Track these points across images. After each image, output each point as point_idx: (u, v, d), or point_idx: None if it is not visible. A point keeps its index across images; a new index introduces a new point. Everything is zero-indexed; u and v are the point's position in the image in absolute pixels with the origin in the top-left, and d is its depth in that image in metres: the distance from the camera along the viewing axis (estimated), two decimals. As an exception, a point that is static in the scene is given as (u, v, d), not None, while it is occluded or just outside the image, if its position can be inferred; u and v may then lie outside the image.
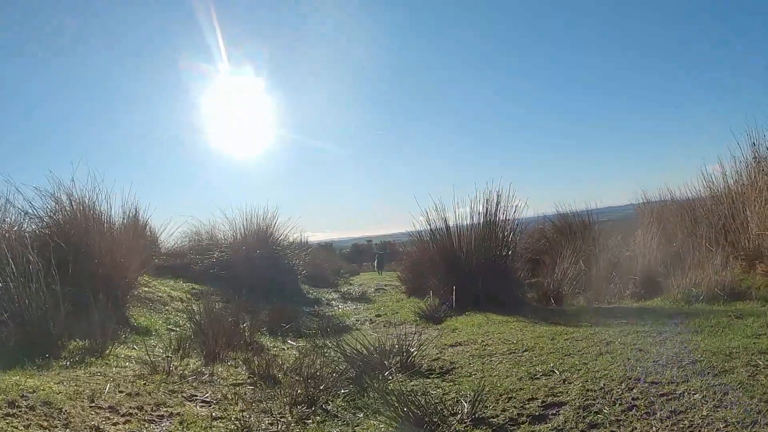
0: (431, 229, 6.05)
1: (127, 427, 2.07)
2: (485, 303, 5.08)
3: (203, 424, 2.22)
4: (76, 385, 2.39)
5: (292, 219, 8.71)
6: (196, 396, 2.62)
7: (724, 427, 1.77)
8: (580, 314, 4.48)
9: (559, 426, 1.99)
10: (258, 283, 6.61)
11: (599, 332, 3.35)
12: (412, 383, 2.80)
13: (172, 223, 7.93)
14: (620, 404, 2.07)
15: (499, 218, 5.69)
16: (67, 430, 1.92)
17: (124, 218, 5.15)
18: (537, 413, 2.14)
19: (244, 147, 23.37)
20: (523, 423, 2.08)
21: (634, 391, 2.18)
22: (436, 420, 2.16)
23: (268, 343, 4.22)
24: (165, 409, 2.34)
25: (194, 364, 3.20)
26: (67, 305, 3.18)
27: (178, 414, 2.30)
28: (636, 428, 1.88)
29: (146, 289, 5.24)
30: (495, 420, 2.14)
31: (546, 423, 2.05)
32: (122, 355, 3.17)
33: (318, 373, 2.87)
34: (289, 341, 4.46)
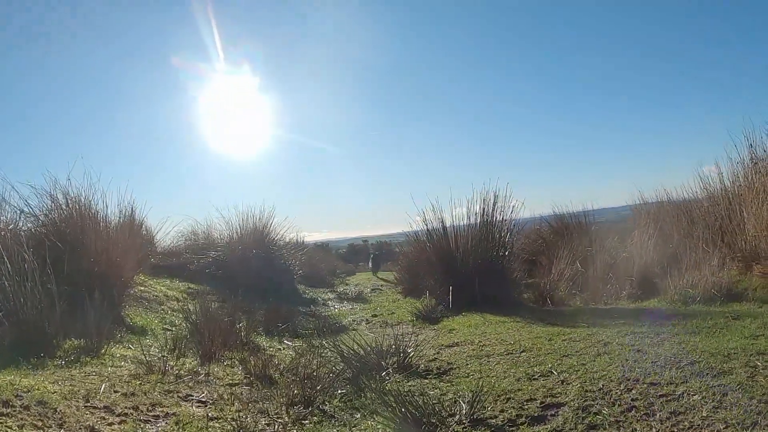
0: (428, 230, 6.07)
1: (122, 427, 2.05)
2: (482, 303, 5.08)
3: (199, 425, 2.20)
4: (71, 385, 2.36)
5: (289, 219, 8.74)
6: (192, 396, 2.59)
7: (724, 428, 1.77)
8: (577, 315, 4.49)
9: (558, 427, 1.98)
10: (254, 283, 6.58)
11: (597, 333, 3.35)
12: (410, 384, 2.79)
13: (169, 223, 7.94)
14: (619, 405, 2.07)
15: (496, 219, 5.70)
16: (62, 430, 1.90)
17: (120, 217, 5.11)
18: (536, 414, 2.13)
19: (241, 146, 23.42)
20: (522, 424, 2.07)
21: (633, 392, 2.18)
22: (434, 421, 2.15)
23: (265, 343, 4.19)
24: (161, 409, 2.31)
25: (190, 363, 3.18)
26: (62, 304, 3.16)
27: (173, 414, 2.28)
28: (636, 429, 1.87)
29: (142, 288, 5.21)
30: (494, 421, 2.13)
31: (545, 424, 2.04)
32: (118, 355, 3.14)
33: (315, 374, 2.85)
34: (285, 341, 4.44)
